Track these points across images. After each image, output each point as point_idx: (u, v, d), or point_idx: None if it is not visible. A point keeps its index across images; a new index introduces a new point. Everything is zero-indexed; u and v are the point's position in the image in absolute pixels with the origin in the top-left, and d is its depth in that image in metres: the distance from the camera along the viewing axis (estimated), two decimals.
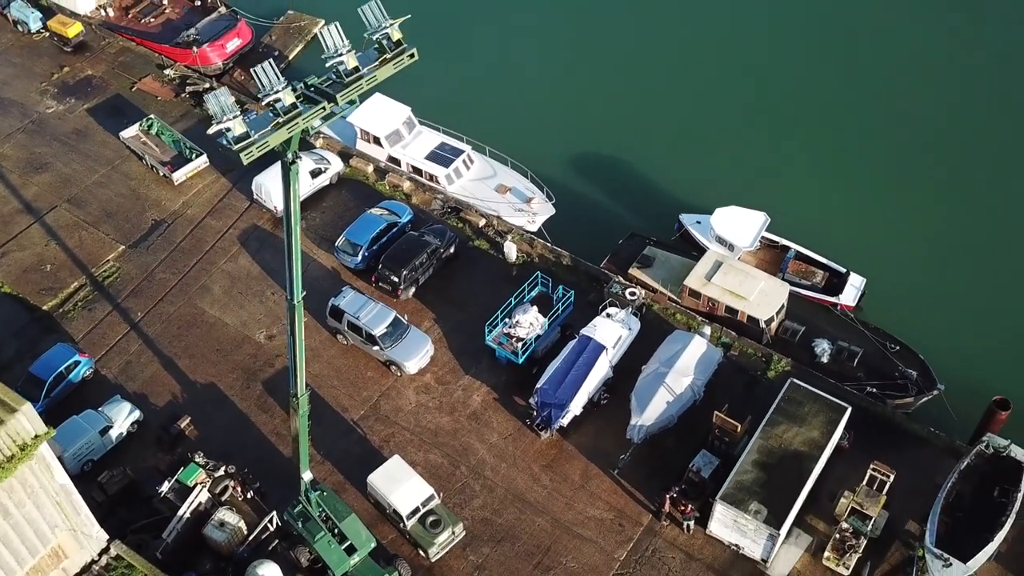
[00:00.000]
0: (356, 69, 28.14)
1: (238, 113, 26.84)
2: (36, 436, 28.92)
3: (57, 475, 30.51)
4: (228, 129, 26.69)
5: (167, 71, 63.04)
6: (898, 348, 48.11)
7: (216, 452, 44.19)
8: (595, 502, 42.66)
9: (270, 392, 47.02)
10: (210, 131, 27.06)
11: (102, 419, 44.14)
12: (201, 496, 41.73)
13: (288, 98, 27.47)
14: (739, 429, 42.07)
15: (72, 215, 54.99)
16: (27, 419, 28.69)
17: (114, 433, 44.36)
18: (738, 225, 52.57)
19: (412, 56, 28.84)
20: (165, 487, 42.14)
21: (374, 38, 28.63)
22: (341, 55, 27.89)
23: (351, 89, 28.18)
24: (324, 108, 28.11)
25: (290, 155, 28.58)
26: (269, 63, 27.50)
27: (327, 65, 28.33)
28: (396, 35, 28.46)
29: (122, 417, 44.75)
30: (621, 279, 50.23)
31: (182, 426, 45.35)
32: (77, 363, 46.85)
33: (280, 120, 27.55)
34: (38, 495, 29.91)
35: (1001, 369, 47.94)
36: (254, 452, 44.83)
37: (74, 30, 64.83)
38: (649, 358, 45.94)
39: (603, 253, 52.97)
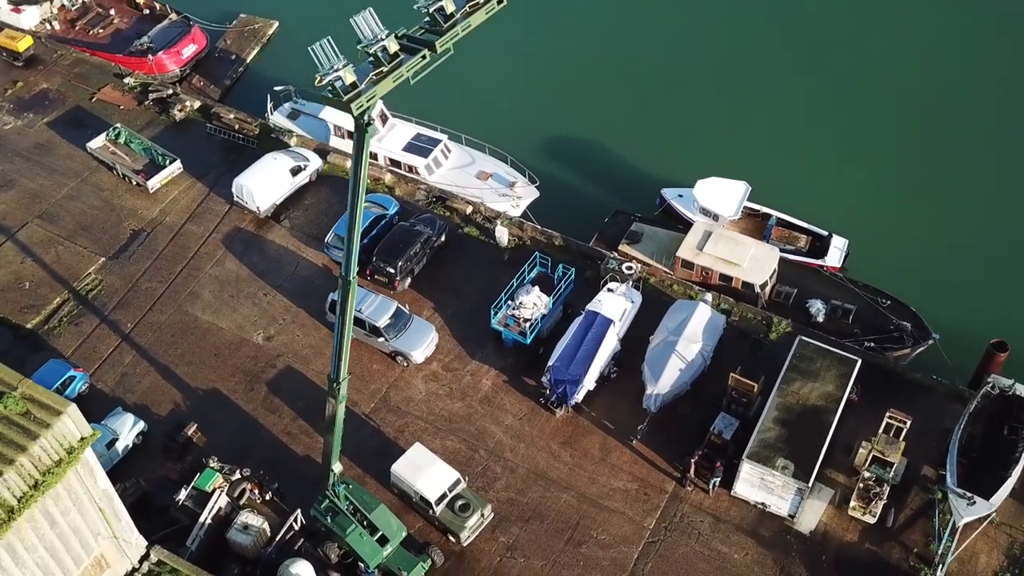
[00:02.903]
0: (452, 15, 27.62)
1: (347, 62, 26.25)
2: (82, 439, 27.94)
3: (100, 480, 29.51)
4: (339, 79, 26.05)
5: (127, 80, 61.53)
6: (889, 302, 49.24)
7: (226, 456, 43.26)
8: (618, 474, 42.79)
9: (275, 392, 46.20)
10: (317, 83, 26.35)
11: (107, 432, 42.84)
12: (220, 501, 40.80)
13: (393, 46, 26.87)
14: (755, 389, 42.59)
15: (45, 231, 53.34)
16: (72, 421, 27.70)
17: (120, 446, 43.16)
18: (720, 195, 53.22)
19: (501, 1, 28.52)
20: (182, 495, 41.11)
21: None
22: (440, 1, 27.37)
23: (447, 36, 27.71)
24: (424, 56, 27.55)
25: (367, 116, 27.95)
26: (370, 12, 26.91)
27: (423, 11, 27.82)
28: None
29: (127, 429, 43.58)
30: (616, 255, 50.54)
31: (189, 433, 44.31)
32: (72, 378, 45.47)
33: (384, 69, 26.93)
34: (82, 502, 28.89)
35: (989, 313, 49.38)
36: (266, 454, 43.98)
37: (24, 44, 63.01)
38: (652, 330, 46.27)
39: (589, 232, 53.28)
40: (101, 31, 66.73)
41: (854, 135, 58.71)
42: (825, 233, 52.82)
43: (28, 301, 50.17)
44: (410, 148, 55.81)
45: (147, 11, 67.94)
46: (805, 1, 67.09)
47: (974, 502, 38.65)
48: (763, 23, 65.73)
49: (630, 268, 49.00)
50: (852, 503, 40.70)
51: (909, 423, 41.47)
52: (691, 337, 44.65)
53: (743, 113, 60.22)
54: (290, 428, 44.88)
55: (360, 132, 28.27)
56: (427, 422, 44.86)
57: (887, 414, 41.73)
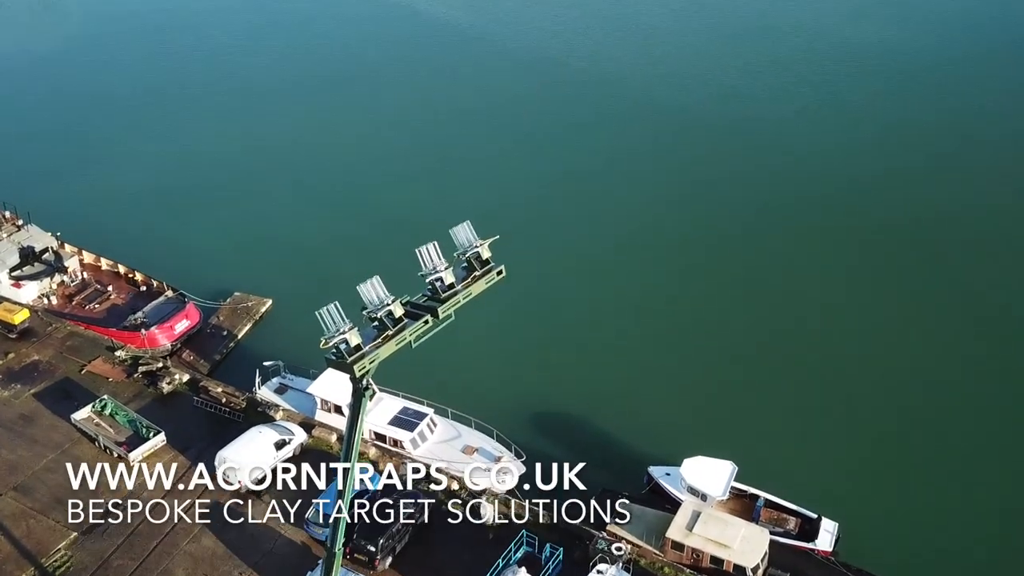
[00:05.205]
0: (451, 285, 28.74)
1: (353, 325, 26.96)
2: None
3: None
4: (344, 340, 26.61)
5: (118, 353, 62.41)
6: None
7: None
8: None
9: None
10: (322, 345, 26.84)
11: None
12: None
13: (398, 310, 27.72)
14: None
15: (19, 503, 52.22)
16: None
17: None
18: (708, 475, 52.92)
19: (500, 273, 29.67)
20: None
21: (463, 257, 29.44)
22: (439, 271, 28.54)
23: (449, 303, 28.63)
24: (427, 321, 28.35)
25: (367, 380, 28.29)
26: (376, 280, 27.89)
27: (427, 281, 28.84)
28: (486, 254, 29.39)
29: None
30: (605, 534, 49.49)
31: None
32: None
33: (390, 333, 27.60)
34: None
35: None
36: None
37: (20, 317, 64.45)
38: None
39: (577, 510, 52.27)
40: (97, 306, 68.43)
41: (840, 418, 59.34)
42: (814, 516, 52.09)
43: None
44: (396, 422, 56.00)
45: (144, 288, 70.04)
46: (788, 288, 69.70)
47: None
48: (746, 305, 68.09)
49: (620, 549, 47.88)
50: None
51: None
52: None
53: (729, 392, 61.16)
54: None
55: (358, 396, 28.65)
56: None
57: None
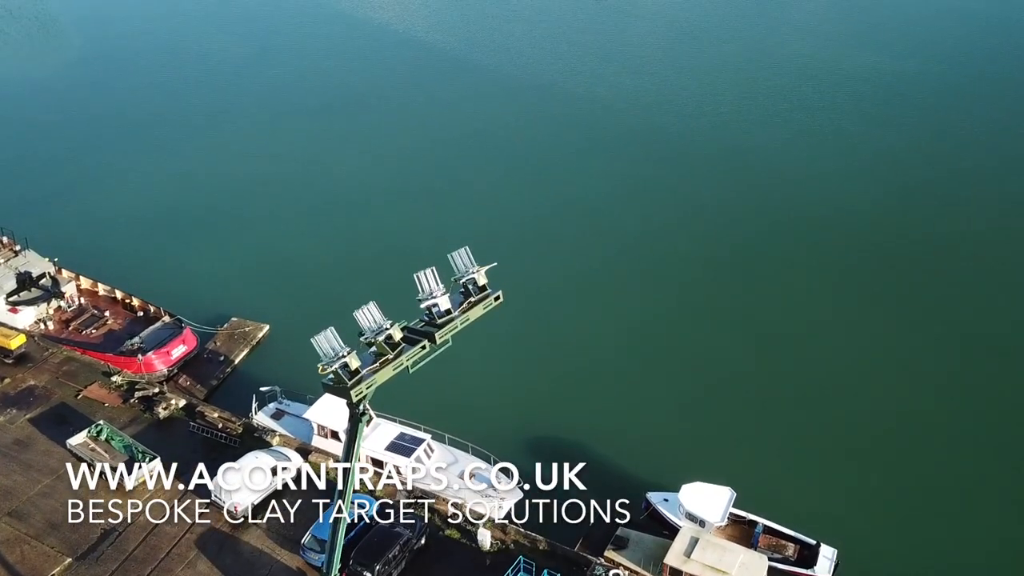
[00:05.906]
0: (448, 311, 28.79)
1: (351, 349, 26.96)
2: None
3: None
4: (344, 364, 26.59)
5: (114, 378, 62.30)
6: None
7: None
8: None
9: None
10: (321, 371, 26.79)
11: None
12: None
13: (398, 333, 27.73)
14: None
15: (13, 529, 51.91)
16: None
17: None
18: (706, 501, 52.68)
19: (498, 299, 29.70)
20: None
21: (461, 283, 29.51)
22: (436, 297, 28.59)
23: (447, 328, 28.66)
24: (424, 347, 28.34)
25: (363, 405, 28.25)
26: (372, 305, 27.92)
27: (422, 307, 28.88)
28: (482, 280, 29.44)
29: None
30: (603, 561, 49.24)
31: None
32: None
33: (389, 356, 27.60)
34: None
35: None
36: None
37: (17, 342, 64.34)
38: None
39: (575, 537, 52.07)
40: (94, 331, 68.31)
41: (838, 443, 59.13)
42: (813, 542, 51.84)
43: None
44: (393, 447, 55.76)
45: (141, 313, 69.94)
46: (788, 322, 69.70)
47: None
48: (746, 335, 68.08)
49: (617, 575, 47.61)
50: None
51: None
52: None
53: (728, 417, 60.97)
54: None
55: (355, 421, 28.58)
56: None
57: None
